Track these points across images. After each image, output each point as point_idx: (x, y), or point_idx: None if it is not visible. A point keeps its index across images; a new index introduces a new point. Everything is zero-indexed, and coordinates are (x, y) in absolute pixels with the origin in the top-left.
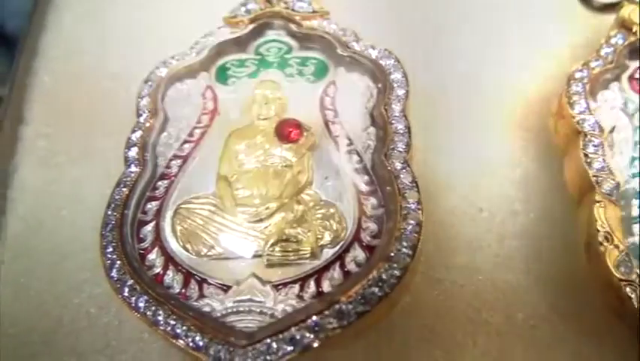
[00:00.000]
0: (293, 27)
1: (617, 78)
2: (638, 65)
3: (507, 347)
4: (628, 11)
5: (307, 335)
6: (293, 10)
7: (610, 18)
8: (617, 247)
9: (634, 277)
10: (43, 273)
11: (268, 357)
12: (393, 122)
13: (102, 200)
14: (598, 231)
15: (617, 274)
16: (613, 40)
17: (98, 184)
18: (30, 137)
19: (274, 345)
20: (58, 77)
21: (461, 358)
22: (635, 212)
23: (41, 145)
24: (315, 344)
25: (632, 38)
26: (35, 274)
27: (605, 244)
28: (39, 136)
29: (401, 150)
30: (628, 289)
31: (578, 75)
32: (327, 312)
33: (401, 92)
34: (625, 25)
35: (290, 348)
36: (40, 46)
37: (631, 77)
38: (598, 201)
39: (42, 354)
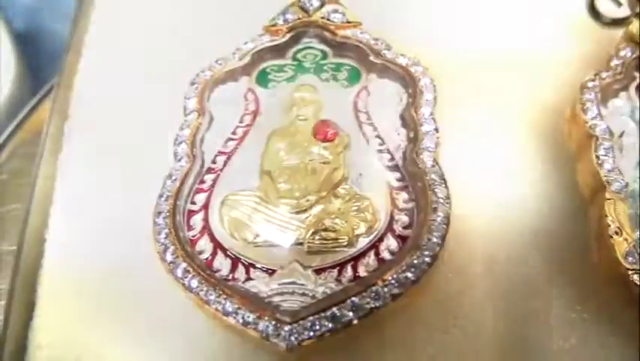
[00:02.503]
0: (328, 35)
1: (626, 88)
2: None
3: (524, 331)
4: (636, 27)
5: (347, 313)
6: (328, 19)
7: (619, 31)
8: (625, 240)
9: None
10: (88, 256)
11: (311, 333)
12: (423, 123)
13: (148, 193)
14: (609, 225)
15: (625, 264)
16: (622, 53)
17: (144, 177)
18: (76, 134)
19: (316, 323)
20: (104, 75)
21: (484, 340)
22: None
23: (86, 143)
24: (355, 322)
25: None
26: (80, 260)
27: (615, 236)
28: (84, 133)
29: (431, 149)
30: (635, 277)
31: (590, 85)
32: (364, 294)
33: (430, 96)
34: (633, 40)
35: (331, 325)
36: (84, 46)
37: (638, 87)
38: (608, 199)
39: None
